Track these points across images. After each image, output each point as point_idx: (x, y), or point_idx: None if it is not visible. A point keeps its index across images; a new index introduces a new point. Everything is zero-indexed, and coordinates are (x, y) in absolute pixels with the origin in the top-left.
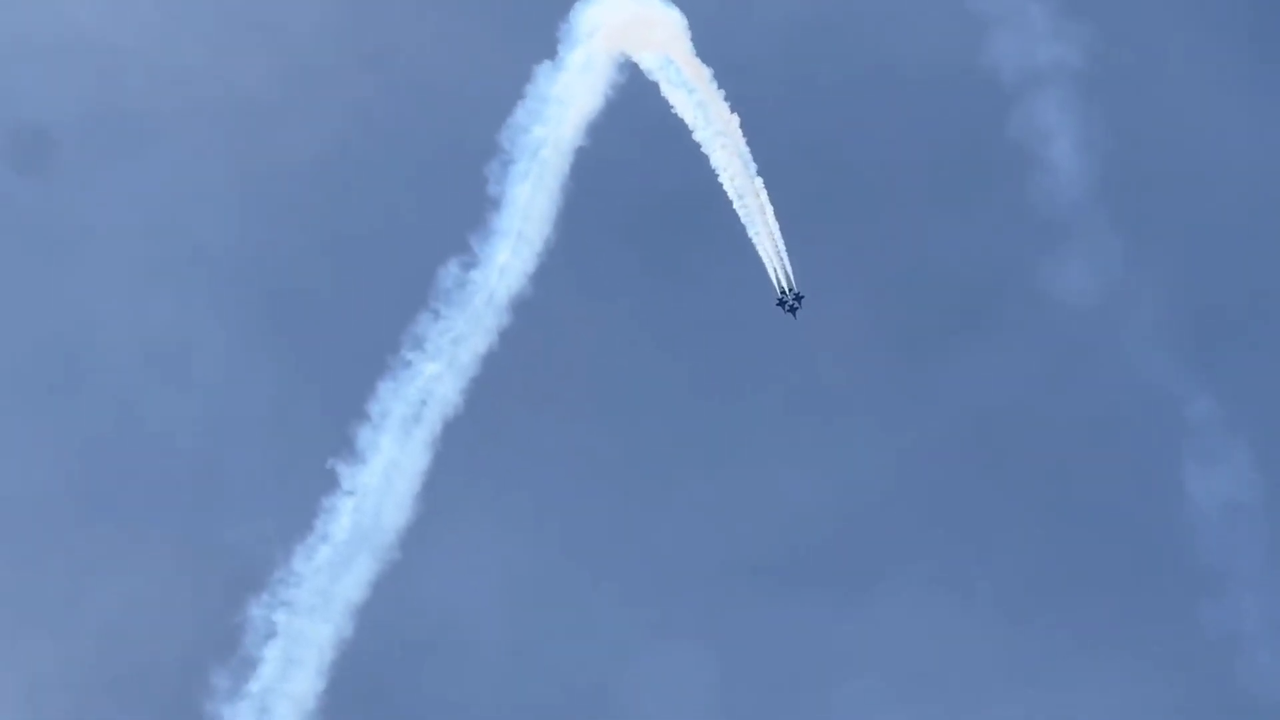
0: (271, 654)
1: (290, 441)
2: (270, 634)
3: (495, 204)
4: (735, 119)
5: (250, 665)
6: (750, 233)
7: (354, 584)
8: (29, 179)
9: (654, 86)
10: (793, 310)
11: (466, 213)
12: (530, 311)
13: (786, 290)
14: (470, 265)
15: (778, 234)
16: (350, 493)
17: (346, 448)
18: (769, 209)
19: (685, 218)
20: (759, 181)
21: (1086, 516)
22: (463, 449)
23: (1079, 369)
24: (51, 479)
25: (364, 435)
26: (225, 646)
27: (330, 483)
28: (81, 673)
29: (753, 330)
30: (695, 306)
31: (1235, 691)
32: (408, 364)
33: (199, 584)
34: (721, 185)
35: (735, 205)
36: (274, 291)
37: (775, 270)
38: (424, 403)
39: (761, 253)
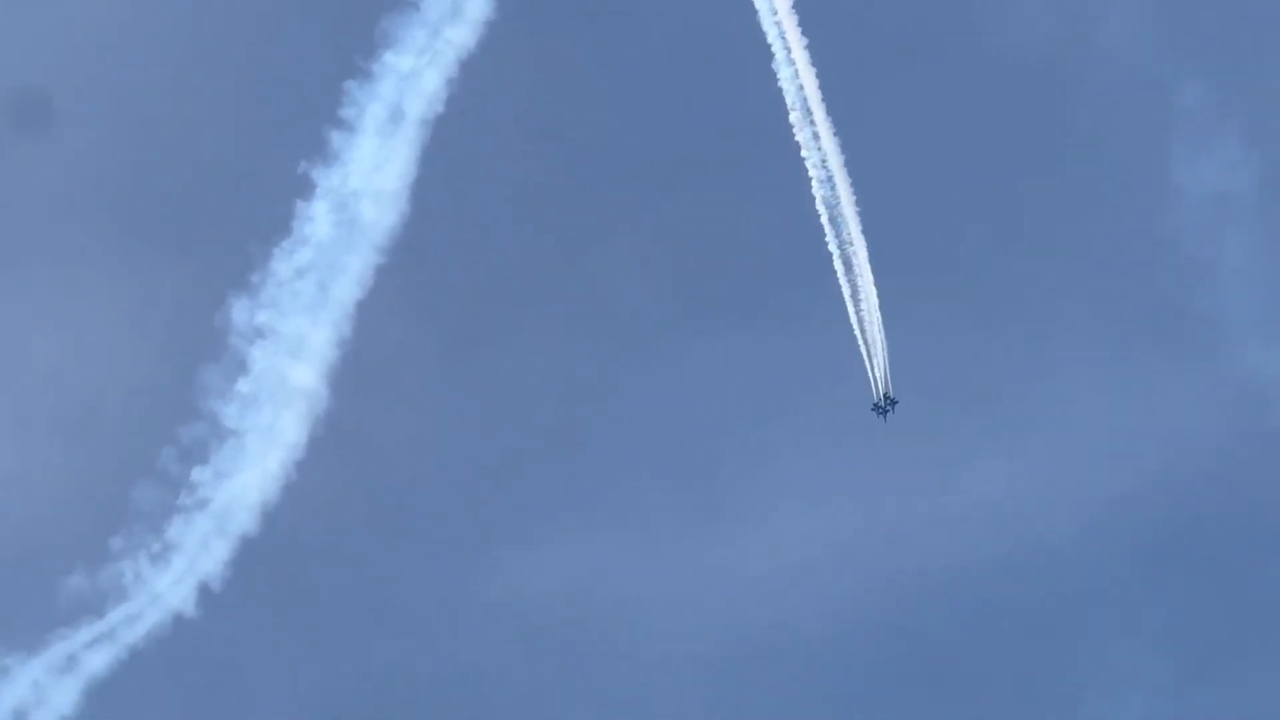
0: (264, 353)
1: (260, 146)
2: (258, 335)
3: None
4: None
5: (240, 366)
6: (858, 342)
7: (346, 285)
8: None
9: None
10: (884, 413)
11: None
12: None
13: (883, 397)
14: None
15: (885, 351)
16: (325, 195)
17: (319, 151)
18: (878, 322)
19: None
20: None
21: (1072, 208)
22: (447, 150)
23: (1064, 57)
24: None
25: (337, 137)
26: (213, 348)
27: (304, 186)
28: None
29: (727, 49)
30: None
31: (1224, 378)
32: (381, 62)
33: (175, 289)
34: None
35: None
36: None
37: (875, 381)
38: (402, 101)
39: (867, 365)
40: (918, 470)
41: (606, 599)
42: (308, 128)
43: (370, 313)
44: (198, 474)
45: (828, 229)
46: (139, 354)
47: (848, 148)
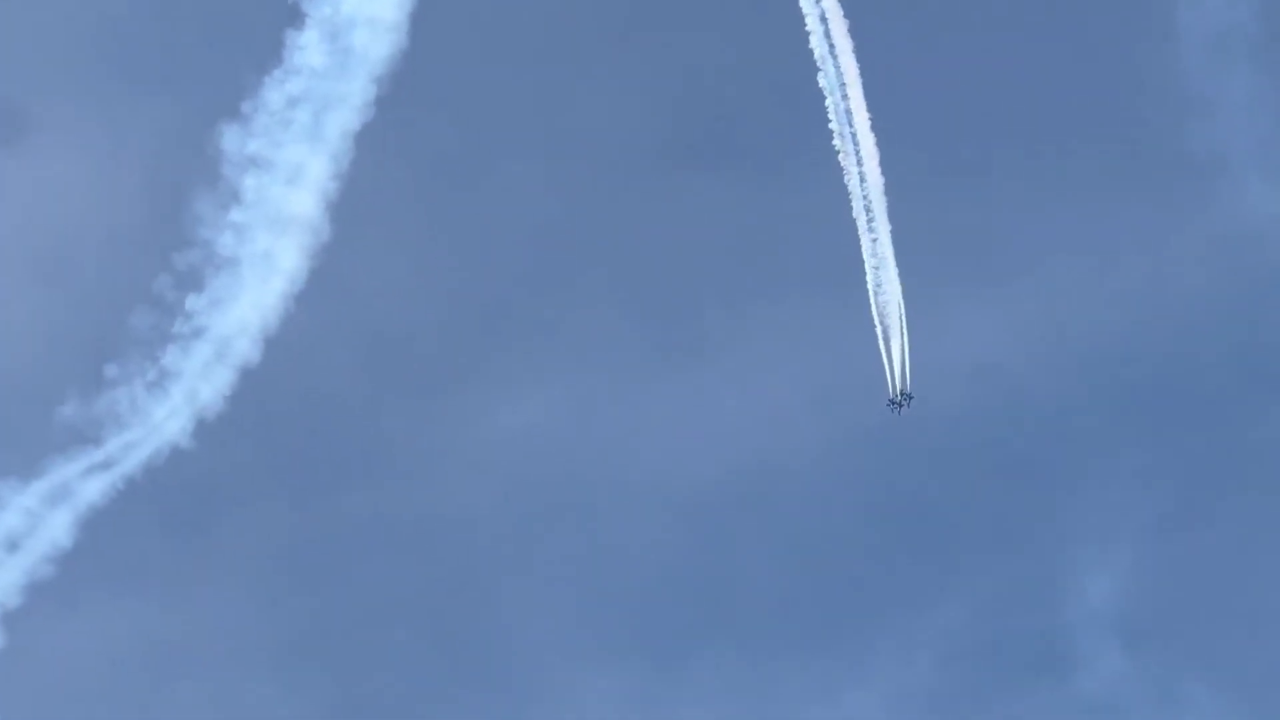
0: (258, 182)
1: None
2: (251, 164)
3: None
4: None
5: (233, 194)
6: (879, 340)
7: (342, 115)
8: None
9: None
10: (899, 408)
11: None
12: None
13: (899, 393)
14: None
15: (907, 347)
16: (317, 25)
17: None
18: (902, 314)
19: None
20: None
21: (1070, 44)
22: None
23: None
24: None
25: None
26: (205, 176)
27: (295, 16)
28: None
29: None
30: None
31: (1221, 214)
32: None
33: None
34: None
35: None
36: None
37: (892, 377)
38: None
39: (884, 359)
40: (905, 314)
41: (592, 441)
42: None
43: (368, 144)
44: (193, 302)
45: (821, 66)
46: (129, 181)
47: None
